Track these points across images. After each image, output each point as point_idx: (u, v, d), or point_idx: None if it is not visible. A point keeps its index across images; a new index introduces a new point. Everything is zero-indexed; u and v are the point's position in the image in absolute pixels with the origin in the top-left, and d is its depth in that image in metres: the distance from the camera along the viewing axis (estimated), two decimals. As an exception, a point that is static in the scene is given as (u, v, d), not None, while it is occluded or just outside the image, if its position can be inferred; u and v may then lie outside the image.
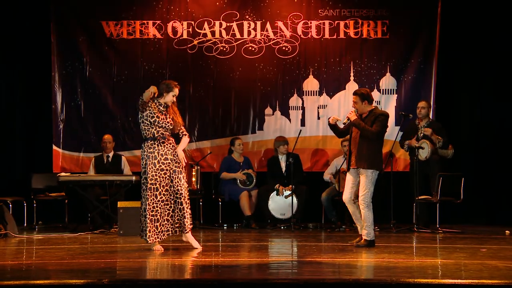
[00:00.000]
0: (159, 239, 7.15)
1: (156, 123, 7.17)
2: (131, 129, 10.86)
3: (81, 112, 10.85)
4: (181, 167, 7.26)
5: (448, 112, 10.74)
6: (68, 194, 10.18)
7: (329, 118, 7.69)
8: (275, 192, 9.96)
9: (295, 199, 9.75)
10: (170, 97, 7.28)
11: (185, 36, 10.89)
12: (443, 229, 9.10)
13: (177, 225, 7.24)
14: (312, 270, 6.02)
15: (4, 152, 10.81)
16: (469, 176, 9.52)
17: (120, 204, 8.96)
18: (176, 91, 7.30)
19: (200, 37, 10.88)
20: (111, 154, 10.15)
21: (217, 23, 10.89)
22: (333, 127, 7.69)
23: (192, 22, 10.89)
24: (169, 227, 7.20)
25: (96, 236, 8.90)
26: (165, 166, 7.16)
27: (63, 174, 9.64)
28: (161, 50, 10.90)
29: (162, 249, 7.15)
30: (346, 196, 7.51)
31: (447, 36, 10.69)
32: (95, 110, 10.87)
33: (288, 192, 9.86)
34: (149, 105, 7.20)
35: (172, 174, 7.20)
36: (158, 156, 7.16)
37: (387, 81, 10.85)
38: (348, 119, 7.49)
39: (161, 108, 7.26)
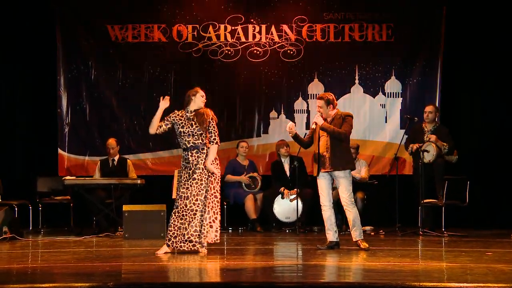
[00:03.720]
0: (185, 248, 7.13)
1: (183, 134, 7.22)
2: (136, 132, 10.88)
3: (86, 115, 10.87)
4: (214, 176, 7.24)
5: (452, 115, 10.73)
6: (73, 198, 10.20)
7: (289, 132, 7.61)
8: (280, 196, 9.95)
9: (300, 202, 9.74)
10: (199, 99, 7.29)
11: (190, 39, 10.91)
12: (448, 232, 9.08)
13: (207, 233, 7.22)
14: (317, 273, 6.02)
15: (9, 155, 10.84)
16: (474, 179, 9.49)
17: (125, 207, 8.98)
18: (202, 92, 7.33)
19: (205, 40, 10.90)
20: (116, 158, 10.16)
21: (222, 26, 10.90)
22: (296, 138, 7.71)
23: (197, 26, 10.91)
24: (202, 238, 7.17)
25: (101, 239, 8.91)
26: (197, 176, 7.16)
27: (68, 177, 9.66)
28: (166, 54, 10.92)
29: (168, 251, 7.17)
30: (326, 200, 7.51)
31: (452, 39, 10.69)
32: (100, 114, 10.90)
33: (293, 196, 9.85)
34: (174, 116, 7.25)
35: (207, 183, 7.20)
36: (192, 167, 7.18)
37: (392, 84, 10.84)
38: (316, 124, 7.52)
39: (189, 115, 7.26)
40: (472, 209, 9.67)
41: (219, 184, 7.35)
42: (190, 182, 7.17)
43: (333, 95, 7.68)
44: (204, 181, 7.19)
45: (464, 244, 8.15)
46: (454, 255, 7.09)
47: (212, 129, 7.24)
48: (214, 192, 7.28)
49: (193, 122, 7.22)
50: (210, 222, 7.25)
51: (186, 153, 7.23)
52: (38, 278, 5.81)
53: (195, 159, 7.20)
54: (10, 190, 10.27)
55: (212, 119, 7.25)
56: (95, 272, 6.02)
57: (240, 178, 10.22)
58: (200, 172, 7.18)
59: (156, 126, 7.29)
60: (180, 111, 7.33)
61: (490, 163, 10.56)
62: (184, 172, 7.24)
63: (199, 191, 7.16)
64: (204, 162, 7.19)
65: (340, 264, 6.53)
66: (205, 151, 7.23)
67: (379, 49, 10.84)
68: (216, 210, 7.29)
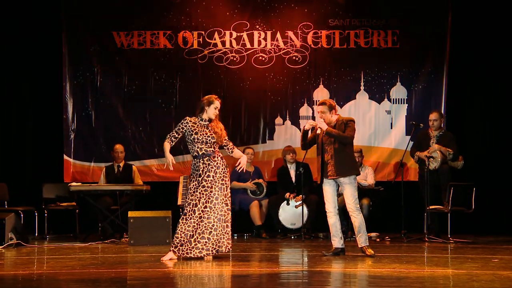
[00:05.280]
0: (192, 254, 7.15)
1: (196, 141, 7.22)
2: (141, 138, 10.91)
3: (92, 122, 10.90)
4: (224, 185, 7.26)
5: (458, 121, 10.72)
6: (79, 204, 10.21)
7: (310, 124, 7.55)
8: (285, 202, 9.94)
9: (305, 208, 9.73)
10: (212, 110, 7.30)
11: (195, 46, 10.93)
12: (454, 239, 9.06)
13: (218, 243, 7.23)
14: (322, 280, 6.01)
15: (15, 162, 10.87)
16: (480, 185, 9.47)
17: (130, 213, 8.98)
18: (217, 103, 7.32)
19: (211, 47, 10.92)
20: (122, 164, 10.17)
21: (227, 33, 10.92)
22: (306, 134, 7.62)
23: (203, 32, 10.93)
24: (209, 245, 7.20)
25: (107, 246, 8.91)
26: (207, 183, 7.18)
27: (74, 184, 9.67)
28: (172, 60, 10.94)
29: (174, 257, 7.17)
30: (331, 206, 7.48)
31: (458, 45, 10.68)
32: (106, 120, 10.92)
33: (298, 202, 9.84)
34: (186, 123, 7.25)
35: (217, 191, 7.21)
36: (202, 174, 7.19)
37: (398, 90, 10.84)
38: (320, 129, 7.46)
39: (202, 123, 7.29)
40: (478, 216, 9.63)
41: (229, 192, 7.36)
42: (200, 190, 7.17)
43: (333, 101, 7.69)
44: (214, 188, 7.19)
45: (470, 250, 8.13)
46: (460, 262, 7.07)
47: (226, 139, 7.44)
48: (226, 200, 7.28)
49: (208, 131, 7.25)
50: (224, 232, 7.26)
51: (197, 160, 7.24)
52: (43, 284, 5.82)
53: (206, 166, 7.20)
54: (16, 197, 10.29)
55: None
56: (100, 278, 6.02)
57: (245, 185, 10.21)
58: (210, 180, 7.19)
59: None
60: (192, 118, 7.33)
61: (496, 169, 10.55)
62: (193, 179, 7.24)
63: (208, 199, 7.17)
64: (224, 164, 7.29)
65: (346, 271, 6.52)
66: (216, 159, 7.25)
67: (385, 55, 10.85)
68: (227, 218, 7.29)
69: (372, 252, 7.38)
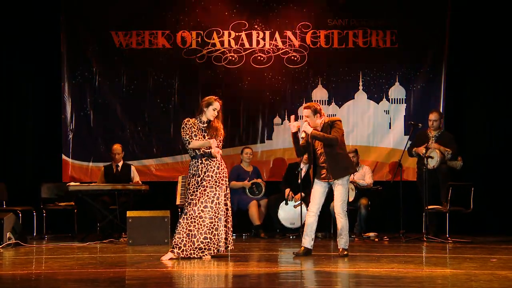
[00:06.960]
0: (195, 255, 7.17)
1: None
2: (140, 138, 10.91)
3: (90, 121, 10.90)
4: (224, 185, 7.27)
5: (456, 120, 10.73)
6: (77, 204, 10.22)
7: (292, 128, 7.45)
8: (284, 202, 9.93)
9: (304, 208, 9.72)
10: (210, 112, 7.29)
11: (194, 45, 10.93)
12: (452, 238, 9.06)
13: (220, 242, 7.25)
14: (321, 280, 6.02)
15: (14, 161, 10.87)
16: (478, 185, 9.48)
17: (129, 213, 8.98)
18: (216, 104, 7.31)
19: (209, 46, 10.92)
20: (120, 164, 10.17)
21: (226, 32, 10.92)
22: (297, 138, 7.52)
23: (201, 32, 10.93)
24: (211, 245, 7.21)
25: (105, 245, 8.91)
26: (207, 183, 7.19)
27: (72, 183, 9.66)
28: (170, 60, 10.94)
29: (173, 257, 7.17)
30: (314, 207, 7.45)
31: (457, 45, 10.69)
32: (104, 120, 10.92)
33: (297, 202, 9.82)
34: (192, 123, 7.24)
35: (218, 191, 7.22)
36: (202, 174, 7.20)
37: (396, 90, 10.85)
38: (305, 132, 7.39)
39: (201, 125, 7.29)
40: (476, 215, 9.64)
41: (229, 192, 7.37)
42: (200, 189, 7.18)
43: (320, 105, 7.63)
44: (215, 188, 7.20)
45: (468, 250, 8.13)
46: (458, 262, 7.07)
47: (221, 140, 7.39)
48: (225, 200, 7.29)
49: (205, 134, 7.25)
50: (225, 230, 7.28)
51: (196, 160, 7.25)
52: (42, 284, 5.81)
53: (205, 166, 7.21)
54: (14, 196, 10.29)
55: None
56: (99, 278, 6.02)
57: (242, 184, 10.20)
58: (209, 180, 7.19)
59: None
60: (192, 120, 7.33)
61: (495, 169, 10.55)
62: (192, 179, 7.24)
63: (208, 198, 7.18)
64: (222, 165, 7.27)
65: (344, 271, 6.52)
66: (215, 159, 7.25)
67: (383, 55, 10.85)
68: (228, 218, 7.30)
69: (345, 252, 7.37)
